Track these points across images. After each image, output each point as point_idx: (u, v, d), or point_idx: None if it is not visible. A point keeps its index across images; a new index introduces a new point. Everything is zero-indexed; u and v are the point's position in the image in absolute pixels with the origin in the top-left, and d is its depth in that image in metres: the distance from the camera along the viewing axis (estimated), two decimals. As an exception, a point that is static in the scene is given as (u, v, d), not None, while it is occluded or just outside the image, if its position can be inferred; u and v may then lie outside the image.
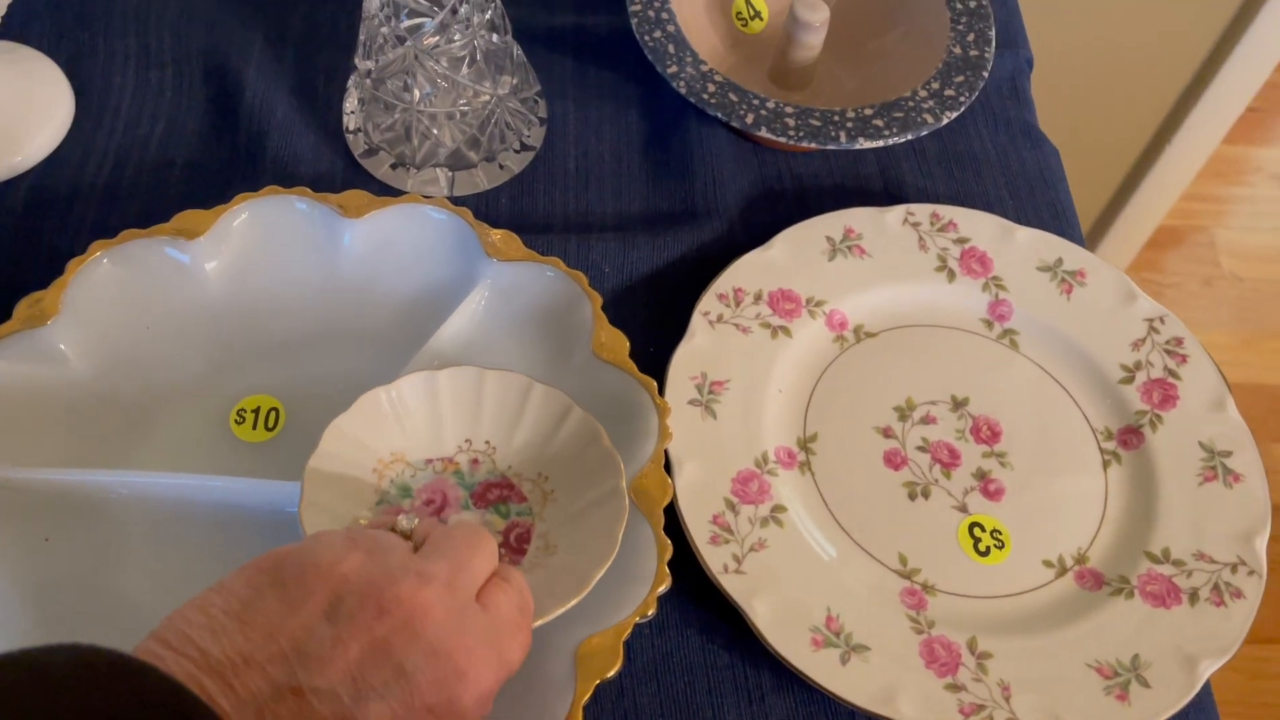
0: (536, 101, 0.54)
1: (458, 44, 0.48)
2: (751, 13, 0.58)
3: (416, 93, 0.49)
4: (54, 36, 0.55)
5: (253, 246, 0.46)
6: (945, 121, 0.49)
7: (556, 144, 0.54)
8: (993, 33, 0.53)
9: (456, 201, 0.51)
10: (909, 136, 0.48)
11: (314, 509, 0.37)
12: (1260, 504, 0.44)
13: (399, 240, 0.47)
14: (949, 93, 0.50)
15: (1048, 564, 0.43)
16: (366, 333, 0.46)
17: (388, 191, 0.51)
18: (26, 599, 0.39)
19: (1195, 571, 0.42)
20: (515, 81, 0.51)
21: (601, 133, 0.55)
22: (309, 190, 0.47)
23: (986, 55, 0.51)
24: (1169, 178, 1.29)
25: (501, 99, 0.51)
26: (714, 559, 0.41)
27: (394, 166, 0.51)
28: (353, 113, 0.52)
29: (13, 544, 0.40)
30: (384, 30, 0.47)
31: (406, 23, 0.47)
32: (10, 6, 0.51)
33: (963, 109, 0.49)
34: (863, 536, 0.43)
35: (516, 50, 0.51)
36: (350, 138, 0.52)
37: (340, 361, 0.46)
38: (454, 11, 0.46)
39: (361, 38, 0.49)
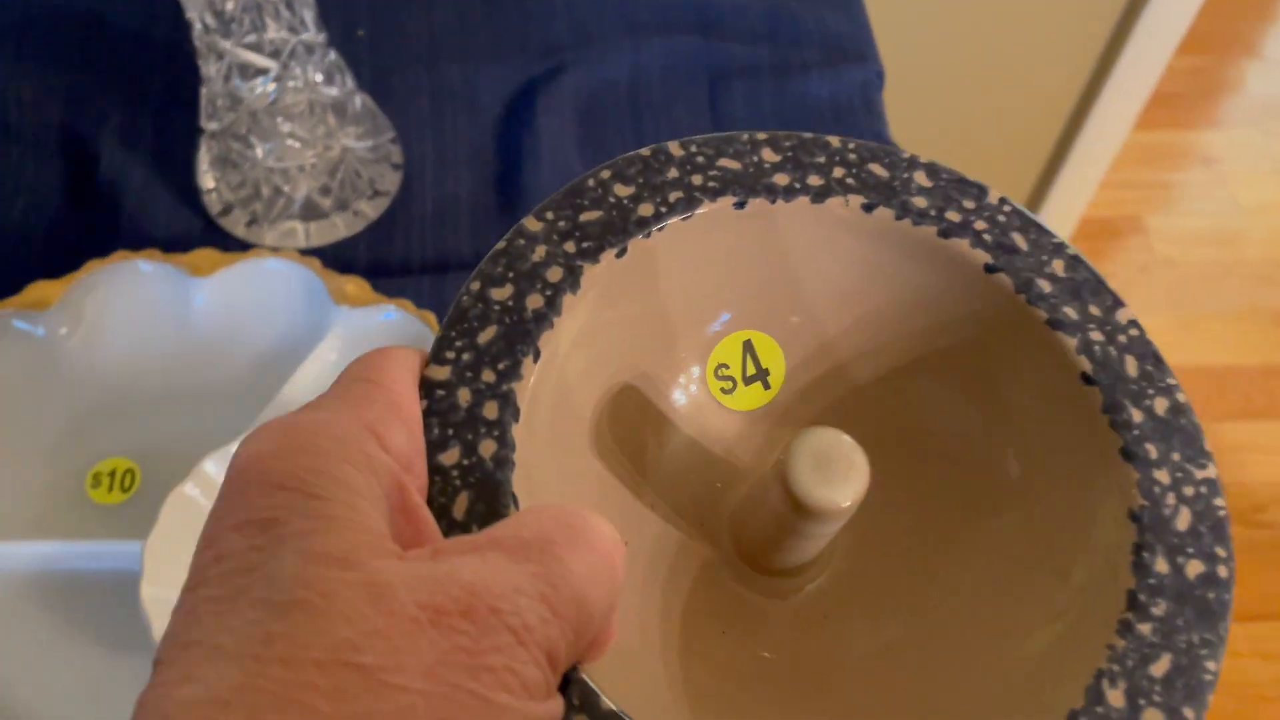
0: (390, 147, 0.55)
1: (298, 98, 0.49)
2: (754, 369, 0.31)
3: (259, 150, 0.50)
4: (-88, 121, 0.56)
5: (104, 312, 0.47)
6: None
7: (414, 188, 0.55)
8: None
9: (315, 251, 0.53)
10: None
11: (154, 586, 0.38)
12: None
13: (249, 295, 0.48)
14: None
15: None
16: (221, 388, 0.47)
17: (248, 248, 0.52)
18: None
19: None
20: (361, 130, 0.52)
21: (459, 175, 0.56)
22: (158, 252, 0.48)
23: None
24: (1084, 171, 1.31)
25: (349, 149, 0.52)
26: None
27: (250, 223, 0.52)
28: (206, 173, 0.53)
29: None
30: (222, 91, 0.48)
31: (243, 83, 0.48)
32: None
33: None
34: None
35: (361, 99, 0.52)
36: (206, 198, 0.53)
37: (196, 419, 0.46)
38: (286, 68, 0.48)
39: (203, 98, 0.50)
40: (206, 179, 0.53)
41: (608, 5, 0.64)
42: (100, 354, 0.47)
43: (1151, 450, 0.25)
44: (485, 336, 0.25)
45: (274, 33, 0.47)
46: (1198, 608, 0.23)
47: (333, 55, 0.50)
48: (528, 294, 0.26)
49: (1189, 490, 0.24)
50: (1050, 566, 0.25)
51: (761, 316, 0.30)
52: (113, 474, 0.45)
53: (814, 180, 0.28)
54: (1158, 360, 0.26)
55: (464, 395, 0.24)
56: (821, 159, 0.29)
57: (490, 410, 0.24)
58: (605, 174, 0.28)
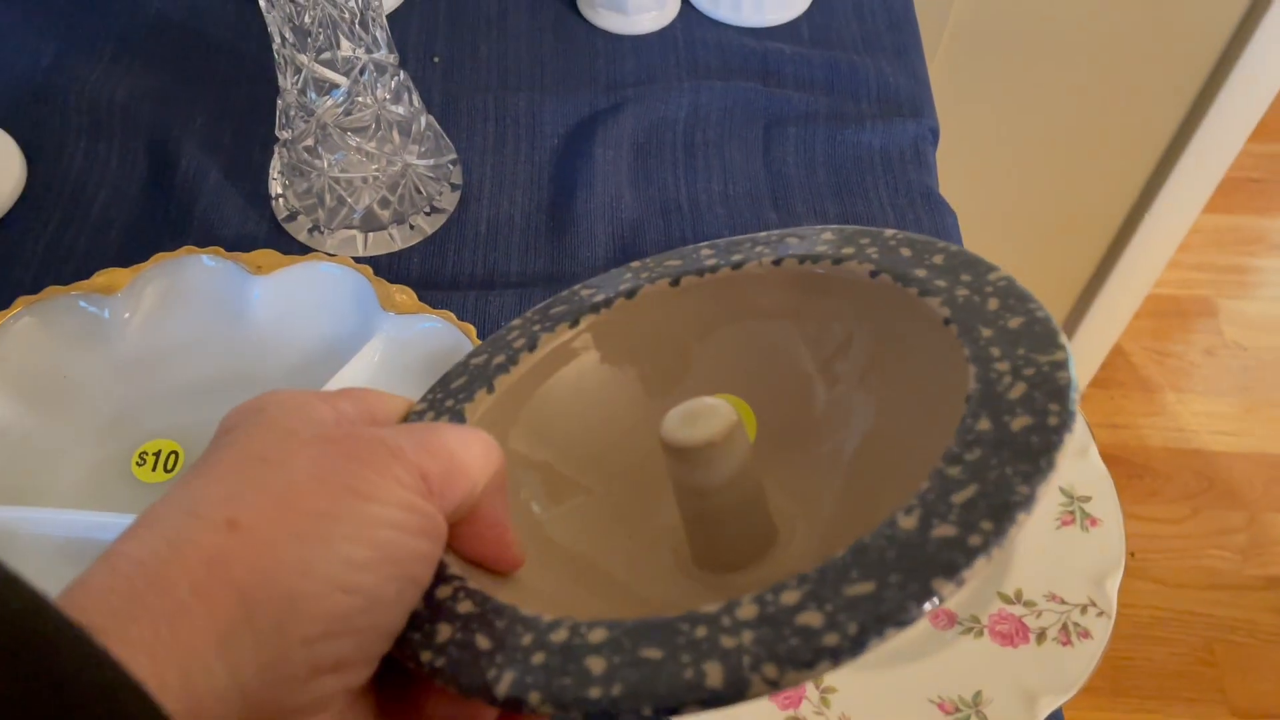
0: (451, 168, 0.58)
1: (366, 113, 0.52)
2: None
3: (326, 160, 0.52)
4: (13, 111, 0.60)
5: (165, 300, 0.50)
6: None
7: (470, 207, 0.58)
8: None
9: (371, 260, 0.55)
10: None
11: None
12: (1115, 548, 0.45)
13: (303, 294, 0.50)
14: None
15: (903, 603, 0.44)
16: (269, 380, 0.49)
17: (308, 253, 0.55)
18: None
19: (1045, 612, 0.44)
20: (424, 149, 0.55)
21: (514, 199, 0.58)
22: (221, 250, 0.50)
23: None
24: (1152, 250, 1.30)
25: (410, 165, 0.54)
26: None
27: (312, 230, 0.55)
28: (275, 180, 0.56)
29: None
30: (296, 103, 0.51)
31: (316, 96, 0.51)
32: (-29, 86, 0.56)
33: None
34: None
35: (426, 119, 0.55)
36: (274, 203, 0.56)
37: (242, 408, 0.49)
38: (356, 84, 0.50)
39: (279, 109, 0.53)
40: (275, 185, 0.56)
41: (674, 48, 0.66)
42: (158, 339, 0.49)
43: (995, 351, 0.27)
44: (457, 383, 0.33)
45: (347, 51, 0.49)
46: (1017, 449, 0.24)
47: (401, 76, 0.52)
48: (495, 356, 0.33)
49: (1029, 371, 0.26)
50: (914, 463, 0.27)
51: (714, 372, 0.34)
52: (158, 454, 0.47)
53: (736, 257, 0.34)
54: (1021, 296, 0.28)
55: (429, 416, 0.31)
56: (746, 245, 0.34)
57: (443, 420, 0.31)
58: (578, 286, 0.36)
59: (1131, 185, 1.20)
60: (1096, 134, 1.12)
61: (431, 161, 0.56)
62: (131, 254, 0.54)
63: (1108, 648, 0.43)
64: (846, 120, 0.62)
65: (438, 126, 0.56)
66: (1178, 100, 1.09)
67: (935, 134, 0.64)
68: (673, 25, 0.67)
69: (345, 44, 0.49)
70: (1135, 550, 1.40)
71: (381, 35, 0.50)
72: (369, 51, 0.50)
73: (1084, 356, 1.48)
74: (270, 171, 0.57)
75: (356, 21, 0.49)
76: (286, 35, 0.48)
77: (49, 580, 0.43)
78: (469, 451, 0.25)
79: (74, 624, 0.18)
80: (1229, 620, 1.40)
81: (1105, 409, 1.62)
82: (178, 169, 0.58)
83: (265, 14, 0.48)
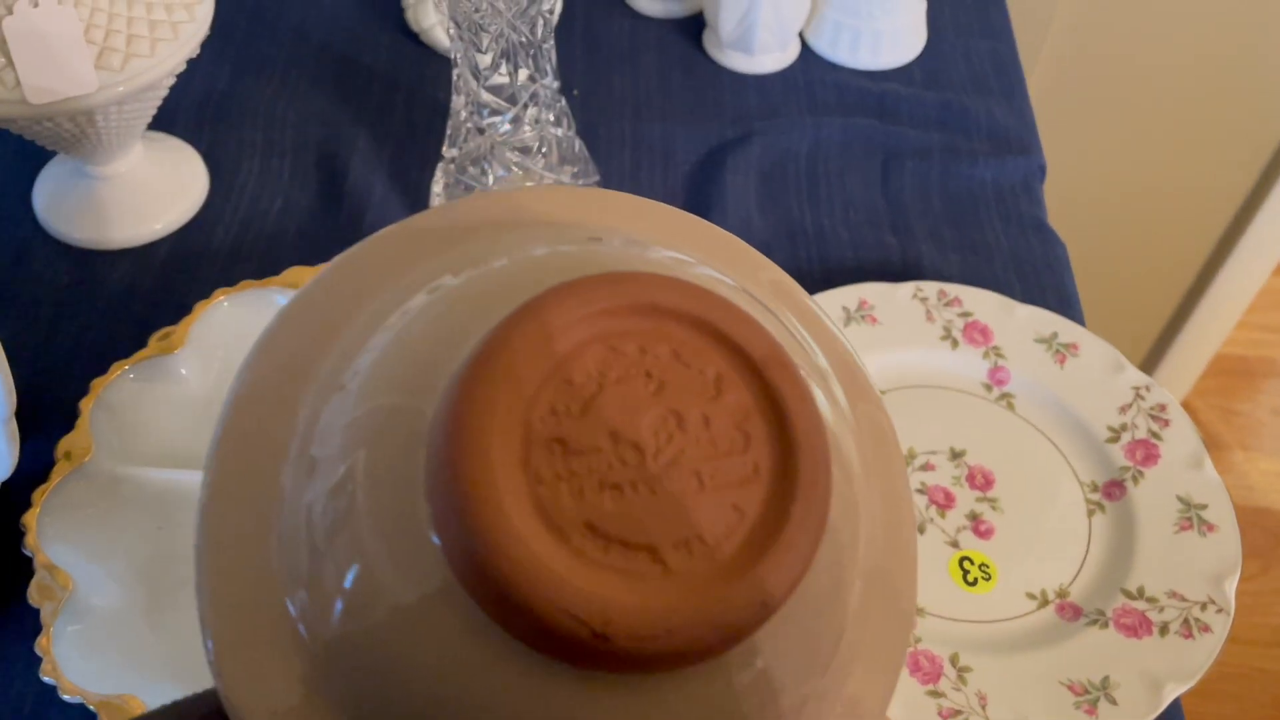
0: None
1: (528, 135, 0.57)
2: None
3: (491, 177, 0.57)
4: (196, 128, 0.66)
5: (347, 297, 0.54)
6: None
7: (611, 226, 0.62)
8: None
9: (522, 271, 0.60)
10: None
11: None
12: (1231, 551, 0.48)
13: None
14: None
15: (1030, 596, 0.48)
16: (437, 373, 0.54)
17: (464, 260, 0.60)
18: (142, 576, 0.46)
19: (1167, 607, 0.46)
20: (576, 170, 0.60)
21: (652, 218, 0.63)
22: (396, 253, 0.55)
23: None
24: (1221, 309, 1.32)
25: (563, 184, 0.59)
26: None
27: (470, 239, 0.60)
28: (439, 194, 0.61)
29: (131, 529, 0.47)
30: (467, 124, 0.56)
31: (486, 119, 0.56)
32: (164, 103, 0.61)
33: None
34: (861, 562, 0.47)
35: (579, 144, 0.60)
36: (435, 215, 0.61)
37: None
38: (525, 108, 0.55)
39: (449, 129, 0.58)
40: (438, 200, 0.61)
41: (796, 87, 0.71)
42: (340, 332, 0.54)
43: None
44: None
45: (521, 78, 0.54)
46: None
47: (563, 102, 0.57)
48: None
49: None
50: None
51: None
52: (340, 434, 0.52)
53: None
54: None
55: None
56: None
57: None
58: None
59: (1203, 246, 1.23)
60: (1167, 198, 1.15)
61: (582, 181, 0.60)
62: (307, 258, 0.59)
63: (1226, 642, 0.45)
64: (960, 155, 0.67)
65: (586, 151, 0.61)
66: (1249, 164, 1.12)
67: (1043, 171, 0.68)
68: (794, 66, 0.72)
69: (521, 73, 0.54)
70: (1204, 604, 1.40)
71: (548, 66, 0.55)
72: (535, 80, 0.55)
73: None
74: (433, 187, 0.62)
75: (531, 52, 0.54)
76: (469, 60, 0.53)
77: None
78: None
79: None
80: (1300, 678, 1.40)
81: (1173, 464, 1.62)
82: (345, 183, 0.63)
83: (451, 40, 0.53)
